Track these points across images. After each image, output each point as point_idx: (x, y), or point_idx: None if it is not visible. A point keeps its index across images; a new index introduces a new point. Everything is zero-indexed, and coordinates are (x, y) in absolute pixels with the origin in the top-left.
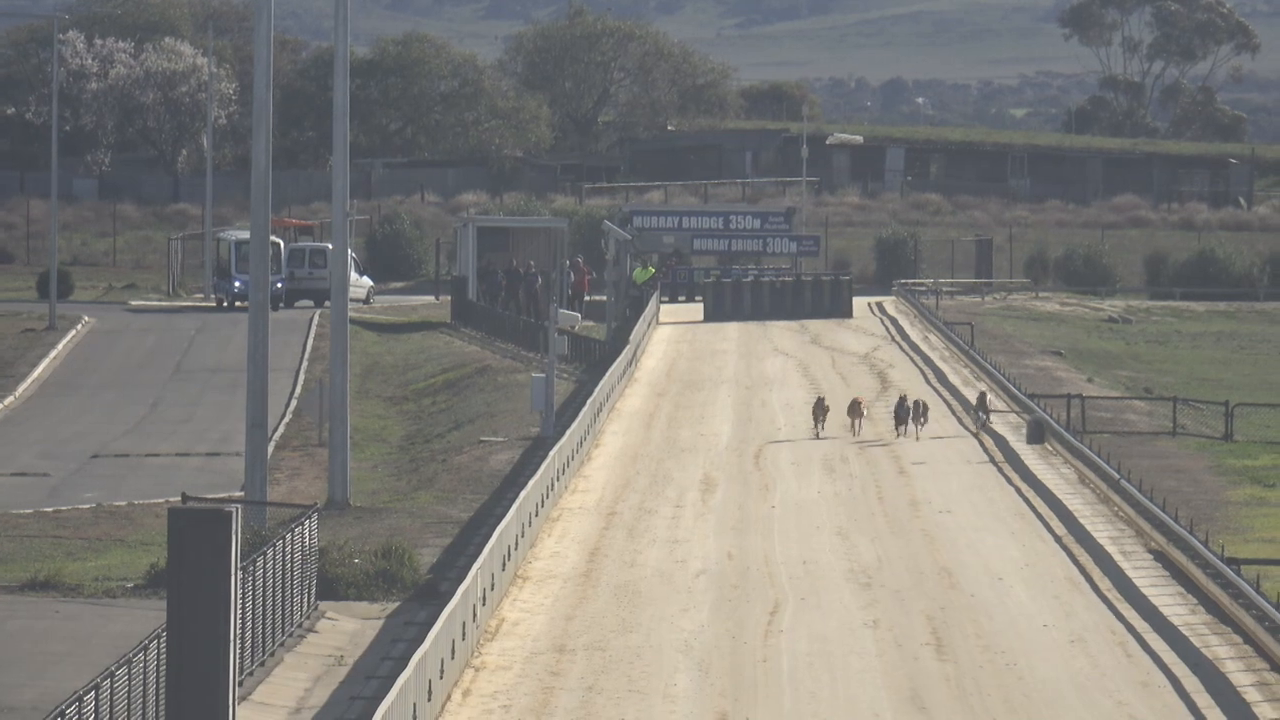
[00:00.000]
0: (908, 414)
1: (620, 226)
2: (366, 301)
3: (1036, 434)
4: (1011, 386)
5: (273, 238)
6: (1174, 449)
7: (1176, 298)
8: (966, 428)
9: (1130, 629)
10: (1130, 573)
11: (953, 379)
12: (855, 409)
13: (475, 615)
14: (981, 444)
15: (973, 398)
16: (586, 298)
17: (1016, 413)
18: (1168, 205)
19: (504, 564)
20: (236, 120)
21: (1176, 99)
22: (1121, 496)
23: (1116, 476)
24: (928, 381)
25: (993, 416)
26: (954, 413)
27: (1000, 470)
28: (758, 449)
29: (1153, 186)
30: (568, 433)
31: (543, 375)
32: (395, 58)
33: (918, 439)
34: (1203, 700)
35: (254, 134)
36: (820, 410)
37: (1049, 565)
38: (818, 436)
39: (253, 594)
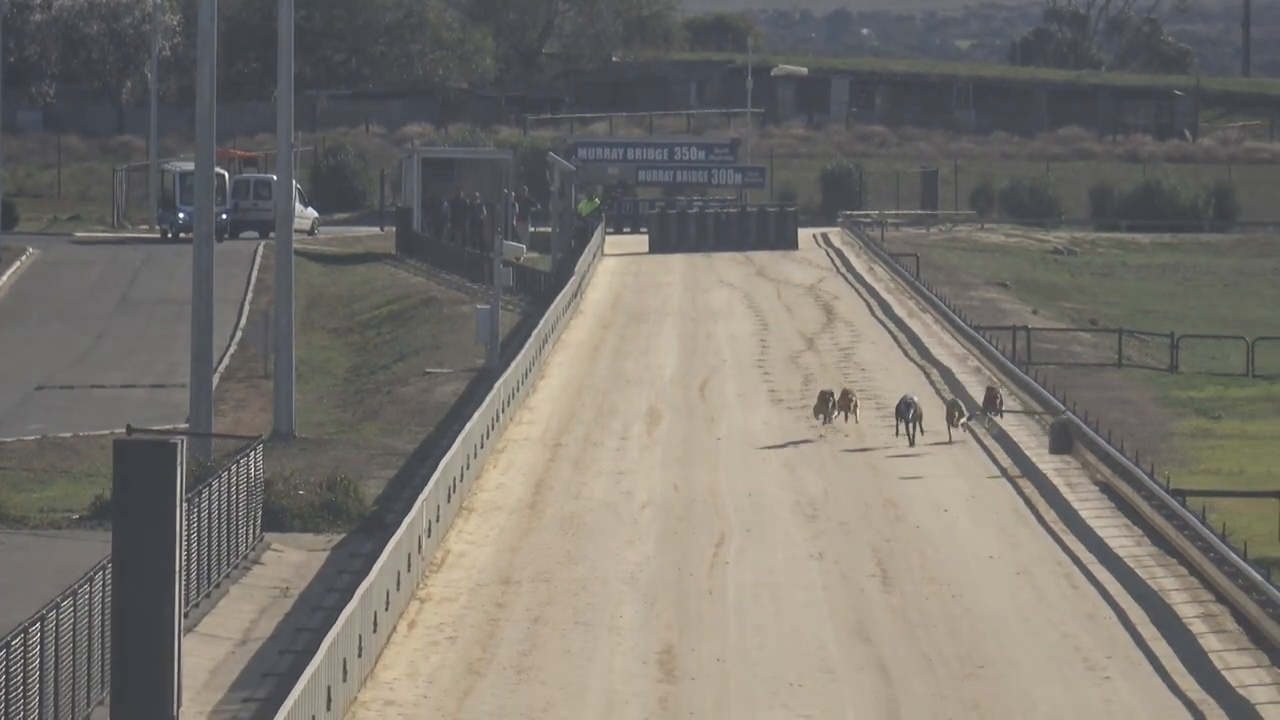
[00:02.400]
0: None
1: (565, 158)
2: (311, 233)
3: (1062, 442)
4: (957, 319)
5: (218, 169)
6: (1119, 381)
7: (1122, 230)
8: (951, 429)
9: (1076, 561)
10: (1076, 505)
11: (898, 310)
12: (847, 401)
13: (420, 547)
14: (929, 378)
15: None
16: (531, 229)
17: (1038, 415)
18: (1113, 137)
19: (449, 496)
20: (181, 52)
21: (1122, 31)
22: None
23: (1062, 409)
24: (872, 313)
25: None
26: (899, 345)
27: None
28: (703, 381)
29: (1098, 119)
30: (513, 364)
31: (488, 307)
32: None
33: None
34: (1148, 632)
35: (199, 66)
36: (826, 404)
37: (994, 497)
38: (820, 435)
39: (198, 526)
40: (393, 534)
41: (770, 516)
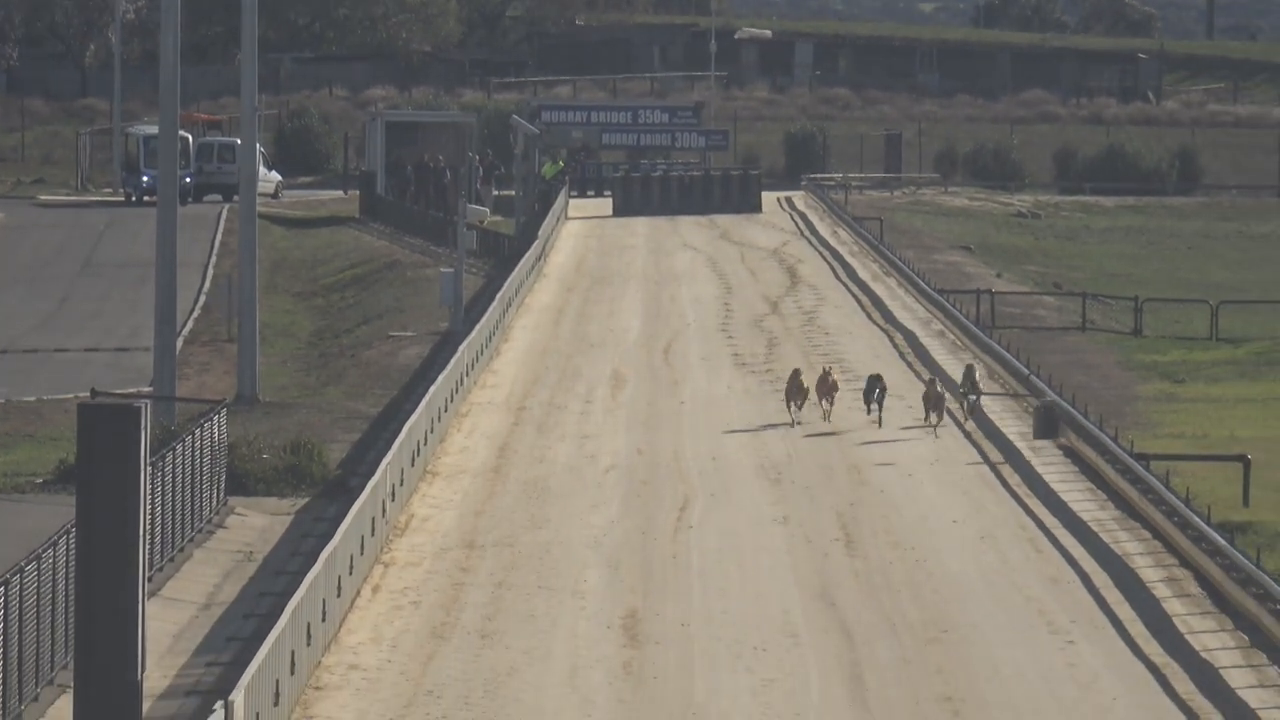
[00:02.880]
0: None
1: (529, 122)
2: (275, 196)
3: (1047, 427)
4: (921, 282)
5: (181, 133)
6: (1083, 344)
7: (1086, 193)
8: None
9: (1040, 525)
10: (1040, 468)
11: (862, 274)
12: (825, 385)
13: (384, 511)
14: (893, 341)
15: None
16: (495, 193)
17: (1018, 396)
18: (1077, 100)
19: (413, 459)
20: (145, 15)
21: None
22: (1031, 391)
23: (1026, 372)
24: (836, 276)
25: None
26: (863, 308)
27: (910, 366)
28: (667, 344)
29: (1062, 82)
30: (477, 328)
31: (451, 270)
32: None
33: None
34: (1112, 595)
35: (162, 28)
36: (797, 389)
37: (958, 460)
38: (794, 423)
39: (162, 489)
40: (356, 498)
41: (734, 480)
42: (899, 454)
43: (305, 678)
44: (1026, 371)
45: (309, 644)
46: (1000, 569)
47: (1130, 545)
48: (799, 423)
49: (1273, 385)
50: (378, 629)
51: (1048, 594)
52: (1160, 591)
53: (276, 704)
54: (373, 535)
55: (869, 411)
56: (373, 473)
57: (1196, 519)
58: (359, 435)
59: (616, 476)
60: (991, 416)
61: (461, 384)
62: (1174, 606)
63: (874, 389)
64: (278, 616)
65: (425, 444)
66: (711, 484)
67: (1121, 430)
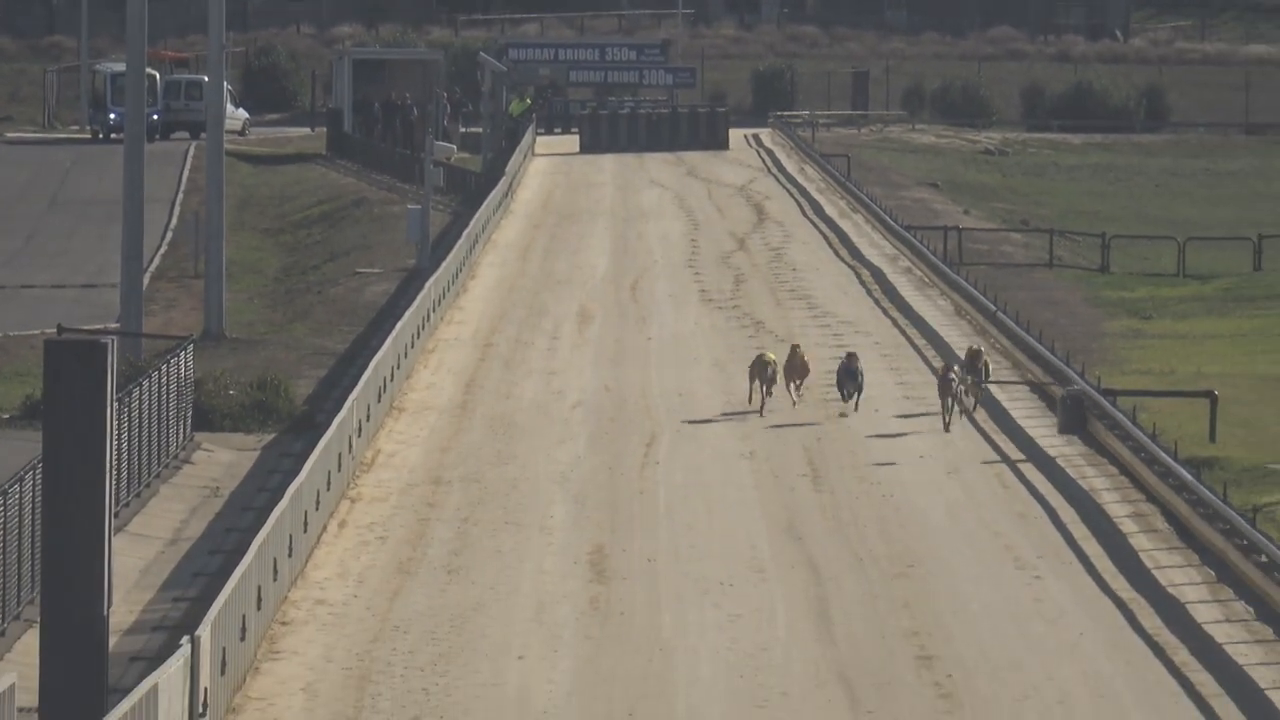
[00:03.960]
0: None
1: (496, 59)
2: (242, 133)
3: (1074, 419)
4: (889, 219)
5: (148, 70)
6: (1051, 281)
7: (1053, 130)
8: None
9: (1006, 460)
10: (1007, 404)
11: (829, 211)
12: (795, 366)
13: (351, 447)
14: (860, 278)
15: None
16: (462, 130)
17: (1035, 384)
18: (1044, 38)
19: (380, 396)
20: None
21: None
22: (998, 328)
23: (993, 308)
24: (803, 213)
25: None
26: (830, 245)
27: (878, 303)
28: (634, 281)
29: (1029, 19)
30: (443, 264)
31: (418, 207)
32: None
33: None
34: (1079, 531)
35: None
36: (761, 372)
37: (926, 397)
38: (761, 413)
39: (129, 425)
40: (323, 434)
41: (701, 416)
42: (868, 390)
43: (272, 613)
44: (994, 308)
45: (275, 579)
46: (967, 504)
47: (1097, 481)
48: (767, 411)
49: (1239, 321)
50: (344, 564)
51: (1015, 529)
52: (1127, 527)
53: (243, 639)
54: (339, 471)
55: (845, 398)
56: (339, 409)
57: (1163, 454)
58: (325, 371)
59: (583, 413)
60: (959, 353)
61: (428, 320)
62: (1140, 542)
63: (849, 377)
64: (244, 552)
65: (392, 380)
66: (679, 420)
67: (1089, 366)
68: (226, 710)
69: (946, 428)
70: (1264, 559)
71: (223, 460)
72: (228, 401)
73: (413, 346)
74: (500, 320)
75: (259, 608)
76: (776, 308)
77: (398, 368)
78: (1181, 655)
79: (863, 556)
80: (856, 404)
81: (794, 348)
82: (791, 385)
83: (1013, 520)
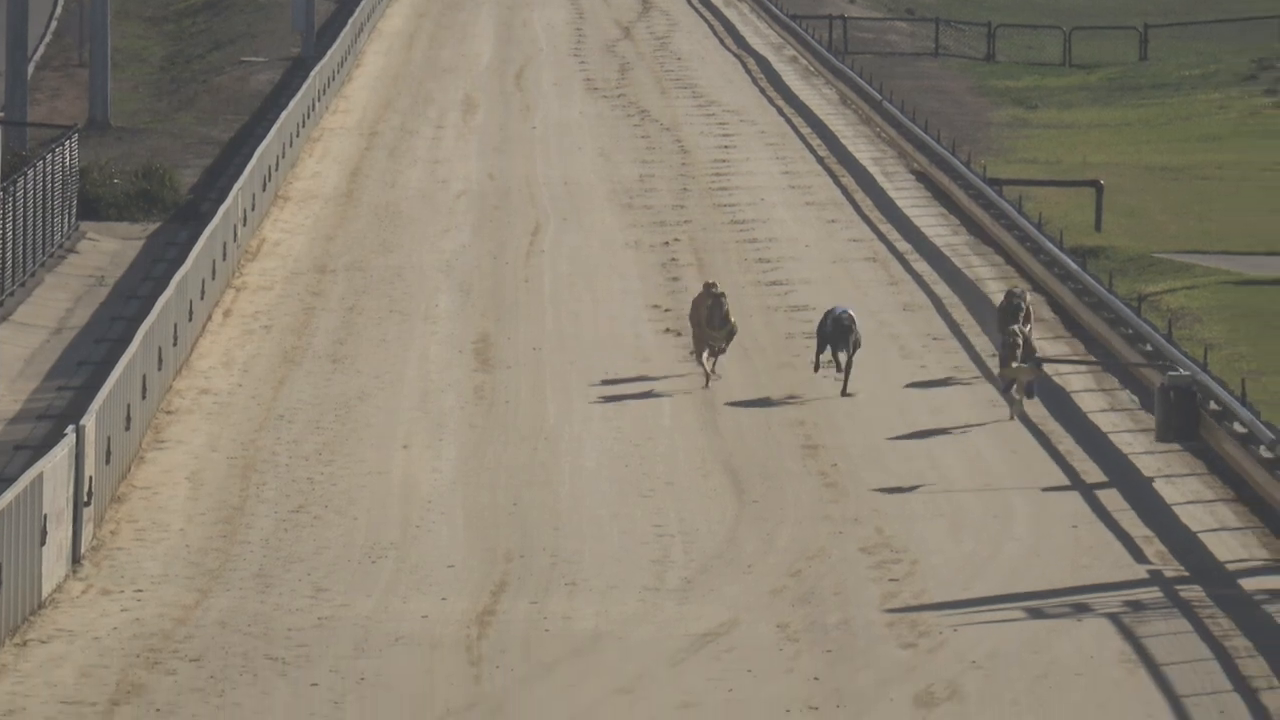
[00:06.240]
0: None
1: None
2: None
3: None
4: (773, 7)
5: None
6: (936, 70)
7: None
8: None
9: (893, 250)
10: (893, 194)
11: None
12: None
13: (236, 235)
14: (745, 67)
15: None
16: None
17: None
18: None
19: (265, 184)
20: None
21: None
22: (883, 118)
23: (879, 98)
24: (689, 2)
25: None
26: (715, 34)
27: (763, 92)
28: (519, 69)
29: None
30: (328, 53)
31: None
32: None
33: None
34: (961, 316)
35: None
36: (712, 323)
37: (812, 186)
38: (707, 382)
39: (13, 214)
40: (208, 223)
41: (586, 205)
42: (757, 184)
43: (157, 402)
44: (879, 97)
45: (160, 368)
46: (853, 294)
47: (983, 270)
48: (716, 375)
49: (1125, 111)
50: (229, 353)
51: (900, 319)
52: None
53: (128, 428)
54: (224, 260)
55: (816, 369)
56: (224, 198)
57: (1049, 244)
58: (211, 161)
59: (468, 201)
60: (845, 143)
61: (313, 109)
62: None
63: (841, 341)
64: (129, 341)
65: (277, 169)
66: (563, 209)
67: (974, 155)
68: (111, 499)
69: (1013, 415)
70: (1149, 348)
71: (108, 249)
72: (113, 190)
73: (298, 135)
74: (385, 109)
75: (144, 397)
76: (662, 96)
77: (283, 156)
78: (1067, 444)
79: (748, 347)
80: (845, 386)
81: (708, 287)
82: (705, 354)
83: (897, 311)
